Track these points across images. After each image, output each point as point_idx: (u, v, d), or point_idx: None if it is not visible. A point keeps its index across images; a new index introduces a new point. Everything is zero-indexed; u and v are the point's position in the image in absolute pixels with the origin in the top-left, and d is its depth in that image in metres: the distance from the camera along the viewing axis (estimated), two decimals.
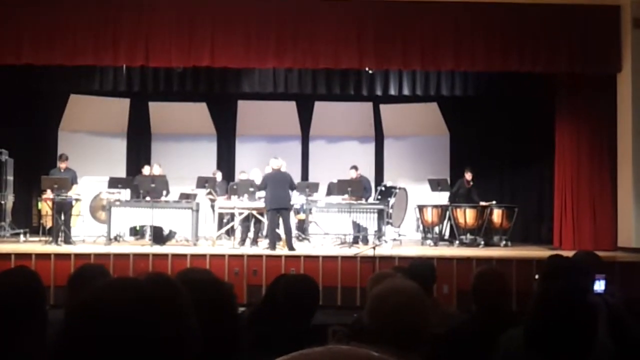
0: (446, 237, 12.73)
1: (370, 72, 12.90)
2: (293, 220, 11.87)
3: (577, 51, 10.95)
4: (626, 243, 10.90)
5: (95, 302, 1.17)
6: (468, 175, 12.65)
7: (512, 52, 10.94)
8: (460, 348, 3.42)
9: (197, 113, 14.64)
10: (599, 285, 3.98)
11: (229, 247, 10.93)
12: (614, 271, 8.87)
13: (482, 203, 12.22)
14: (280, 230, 10.91)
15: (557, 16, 10.91)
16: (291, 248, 10.41)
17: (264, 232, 11.67)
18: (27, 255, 9.80)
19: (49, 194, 11.27)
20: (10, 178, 12.27)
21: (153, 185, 11.43)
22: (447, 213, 12.39)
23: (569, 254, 5.08)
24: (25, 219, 13.16)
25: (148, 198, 11.35)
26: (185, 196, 11.94)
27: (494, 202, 12.29)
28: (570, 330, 2.39)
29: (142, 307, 1.16)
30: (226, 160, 14.87)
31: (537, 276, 4.67)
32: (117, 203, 11.45)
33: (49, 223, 12.09)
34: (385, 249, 10.66)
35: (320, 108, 14.77)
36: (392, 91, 13.54)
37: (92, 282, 1.25)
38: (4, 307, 2.38)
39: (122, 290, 1.18)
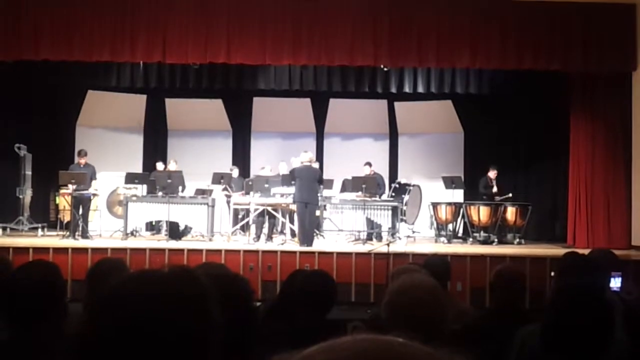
0: (460, 234, 12.71)
1: (385, 69, 12.92)
2: None
3: (592, 49, 10.91)
4: None
5: (120, 294, 1.16)
6: (492, 174, 12.61)
7: (527, 50, 10.92)
8: (475, 344, 3.43)
9: (213, 109, 14.72)
10: (615, 283, 3.98)
11: (244, 242, 10.99)
12: (628, 269, 8.85)
13: (497, 198, 12.22)
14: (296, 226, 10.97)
15: (573, 14, 10.89)
16: (310, 243, 10.41)
17: (279, 228, 11.73)
18: (44, 249, 9.87)
19: (68, 189, 11.40)
20: (29, 173, 12.37)
21: (169, 180, 11.49)
22: (461, 210, 12.40)
23: (583, 252, 5.11)
24: (43, 214, 13.23)
25: (161, 193, 11.45)
26: (201, 192, 12.04)
27: (509, 194, 12.28)
28: (587, 327, 2.38)
29: (169, 300, 1.15)
30: (241, 157, 14.94)
31: (552, 273, 4.67)
32: (134, 198, 11.58)
33: (66, 217, 12.22)
34: (399, 246, 10.70)
35: (335, 105, 14.80)
36: (407, 88, 13.53)
37: (110, 276, 1.25)
38: (25, 299, 2.40)
39: (148, 283, 1.18)
